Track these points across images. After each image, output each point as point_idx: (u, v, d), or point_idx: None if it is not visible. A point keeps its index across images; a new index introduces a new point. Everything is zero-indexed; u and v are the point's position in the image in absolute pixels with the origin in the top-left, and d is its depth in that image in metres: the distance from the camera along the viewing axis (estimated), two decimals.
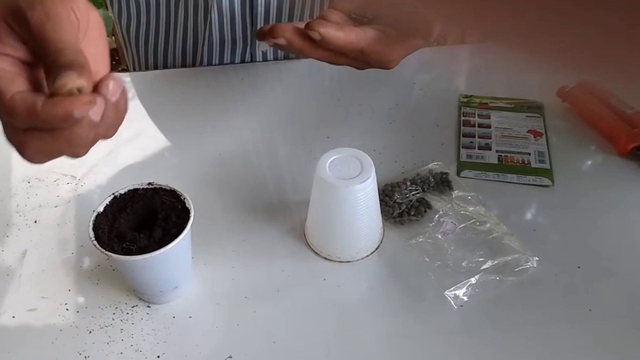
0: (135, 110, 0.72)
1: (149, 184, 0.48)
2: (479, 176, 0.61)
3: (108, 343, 0.47)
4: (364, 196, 0.49)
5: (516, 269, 0.51)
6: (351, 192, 0.48)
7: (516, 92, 0.72)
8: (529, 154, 0.63)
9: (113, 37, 1.87)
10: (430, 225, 0.55)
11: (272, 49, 0.78)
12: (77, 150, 0.37)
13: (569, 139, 0.66)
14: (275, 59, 0.80)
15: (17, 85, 0.35)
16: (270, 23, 0.73)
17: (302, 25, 0.51)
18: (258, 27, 0.74)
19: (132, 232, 0.45)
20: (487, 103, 0.71)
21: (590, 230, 0.56)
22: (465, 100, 0.72)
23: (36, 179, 0.62)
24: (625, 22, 0.13)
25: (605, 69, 0.15)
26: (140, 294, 0.50)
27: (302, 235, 0.55)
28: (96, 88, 0.35)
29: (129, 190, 0.48)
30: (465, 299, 0.49)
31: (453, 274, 0.51)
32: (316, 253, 0.54)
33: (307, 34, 0.50)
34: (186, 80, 0.77)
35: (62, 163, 0.44)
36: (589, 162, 0.65)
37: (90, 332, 0.48)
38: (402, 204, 0.57)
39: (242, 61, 0.79)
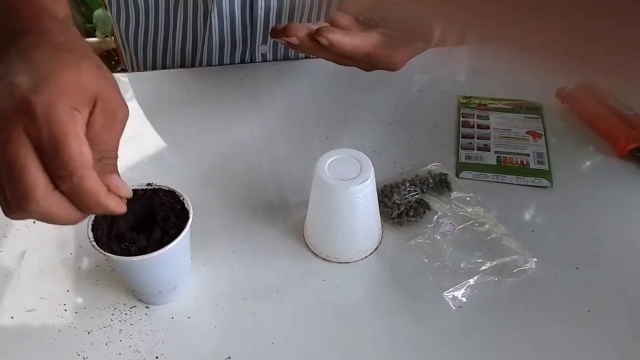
0: (134, 111, 0.71)
1: (148, 184, 0.48)
2: (478, 177, 0.61)
3: (106, 344, 0.47)
4: (363, 197, 0.49)
5: (515, 270, 0.51)
6: (350, 193, 0.48)
7: (515, 93, 0.72)
8: (528, 155, 0.63)
9: (112, 37, 1.87)
10: (429, 226, 0.55)
11: (271, 50, 0.78)
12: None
13: (568, 140, 0.66)
14: (275, 59, 0.80)
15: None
16: (271, 25, 0.74)
17: (314, 27, 0.54)
18: (258, 30, 0.74)
19: (131, 232, 0.45)
20: (486, 104, 0.71)
21: (589, 231, 0.56)
22: (465, 101, 0.72)
23: None
24: (619, 25, 0.13)
25: (602, 70, 0.15)
26: (139, 295, 0.50)
27: (301, 236, 0.55)
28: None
29: None
30: (464, 300, 0.49)
31: (452, 275, 0.51)
32: (315, 254, 0.54)
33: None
34: (185, 80, 0.77)
35: None
36: (588, 163, 0.65)
37: (89, 332, 0.48)
38: (401, 205, 0.57)
39: (242, 62, 0.79)
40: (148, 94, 0.75)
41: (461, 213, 0.57)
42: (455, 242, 0.54)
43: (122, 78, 0.77)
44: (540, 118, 0.69)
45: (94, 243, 0.44)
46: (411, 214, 0.56)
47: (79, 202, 0.36)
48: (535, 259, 0.52)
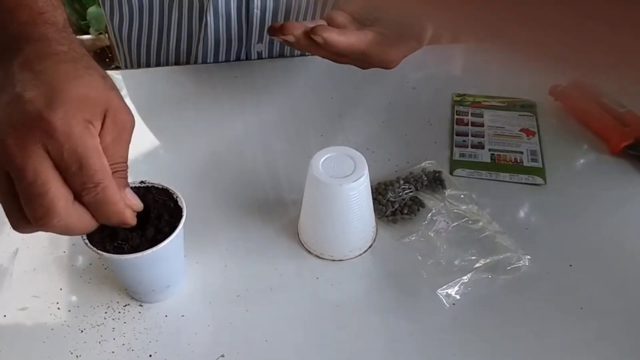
0: None
1: (142, 182, 0.48)
2: (472, 175, 0.61)
3: (100, 342, 0.47)
4: (357, 195, 0.49)
5: (508, 268, 0.52)
6: (344, 191, 0.48)
7: (509, 90, 0.72)
8: (522, 152, 0.63)
9: (106, 35, 1.86)
10: (423, 223, 0.56)
11: (267, 48, 0.78)
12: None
13: (562, 138, 0.66)
14: (270, 57, 0.80)
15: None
16: (267, 24, 0.73)
17: (311, 25, 0.54)
18: (254, 28, 0.74)
19: (124, 230, 0.45)
20: (480, 102, 0.71)
21: (582, 228, 0.56)
22: (459, 99, 0.72)
23: None
24: (611, 29, 0.13)
25: (592, 72, 0.15)
26: (133, 293, 0.50)
27: (295, 234, 0.55)
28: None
29: None
30: (458, 297, 0.49)
31: (445, 273, 0.51)
32: (309, 251, 0.54)
33: None
34: (179, 78, 0.77)
35: None
36: (581, 161, 0.65)
37: (82, 331, 0.48)
38: (395, 203, 0.57)
39: (237, 60, 0.79)
40: (142, 92, 0.75)
41: (455, 211, 0.57)
42: (449, 240, 0.54)
43: (116, 75, 0.77)
44: (534, 116, 0.69)
45: (87, 241, 0.44)
46: (405, 211, 0.56)
47: (100, 212, 0.38)
48: (529, 256, 0.52)
